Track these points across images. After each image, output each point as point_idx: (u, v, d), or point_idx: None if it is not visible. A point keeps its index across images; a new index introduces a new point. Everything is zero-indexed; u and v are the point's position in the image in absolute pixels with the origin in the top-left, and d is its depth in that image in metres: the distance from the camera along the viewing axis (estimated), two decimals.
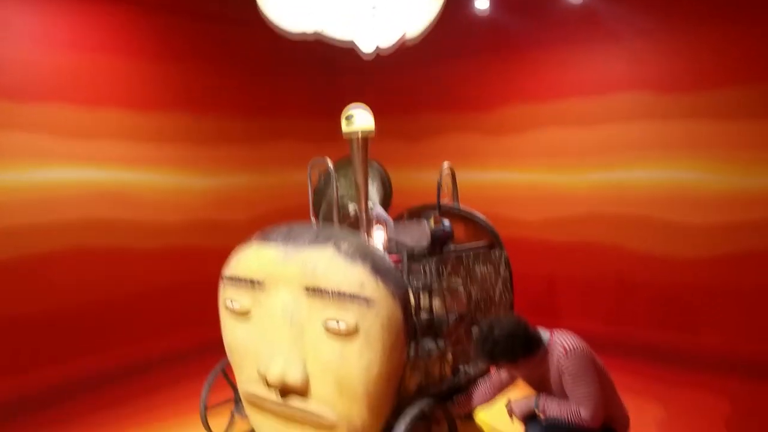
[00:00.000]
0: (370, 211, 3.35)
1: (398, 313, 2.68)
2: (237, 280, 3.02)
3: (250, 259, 2.98)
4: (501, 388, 2.93)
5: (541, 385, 2.71)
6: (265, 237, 2.98)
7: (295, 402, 2.82)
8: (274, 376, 2.77)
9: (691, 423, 3.72)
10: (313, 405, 2.77)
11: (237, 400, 3.46)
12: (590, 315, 5.57)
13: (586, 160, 5.75)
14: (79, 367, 4.84)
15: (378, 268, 2.70)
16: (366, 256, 2.73)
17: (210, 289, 5.85)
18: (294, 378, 2.75)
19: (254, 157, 6.42)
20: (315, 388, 2.77)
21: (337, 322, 2.66)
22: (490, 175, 6.08)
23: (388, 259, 2.83)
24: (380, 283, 2.66)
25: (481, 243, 3.60)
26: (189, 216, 5.86)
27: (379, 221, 3.45)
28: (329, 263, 2.72)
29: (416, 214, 3.75)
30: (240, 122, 6.31)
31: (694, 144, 5.28)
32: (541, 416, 2.66)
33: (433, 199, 3.74)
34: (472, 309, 3.24)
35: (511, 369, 2.70)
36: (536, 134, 5.96)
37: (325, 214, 3.54)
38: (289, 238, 2.89)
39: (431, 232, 3.09)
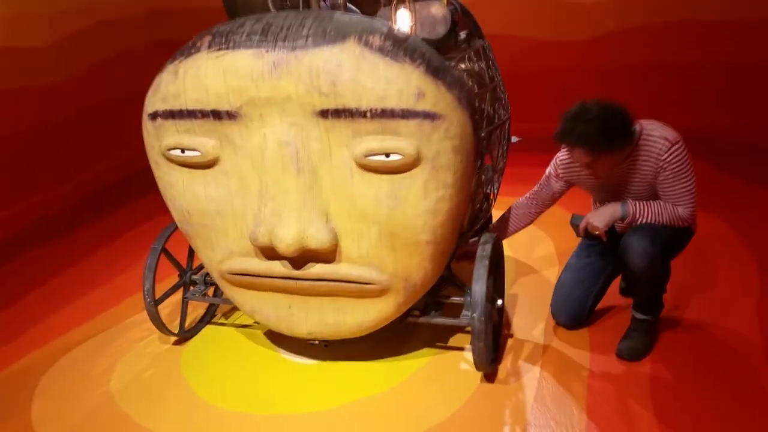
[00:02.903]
0: None
1: (469, 128, 1.91)
2: (186, 115, 1.94)
3: (207, 78, 1.88)
4: (548, 204, 2.41)
5: (617, 189, 2.24)
6: (227, 39, 1.87)
7: (320, 270, 2.01)
8: (288, 241, 1.90)
9: None
10: (349, 269, 2.00)
11: (187, 283, 2.51)
12: None
13: None
14: None
15: (435, 67, 1.84)
16: (414, 50, 1.83)
17: (33, 142, 4.32)
18: (320, 240, 1.92)
19: None
20: (348, 248, 1.99)
21: (387, 155, 1.82)
22: None
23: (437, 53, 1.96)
24: (442, 88, 1.83)
25: (463, 32, 2.82)
26: None
27: (336, 7, 2.44)
28: (358, 67, 1.78)
29: None
30: None
31: None
32: (623, 226, 2.22)
33: None
34: (508, 114, 2.53)
35: (592, 164, 2.12)
36: None
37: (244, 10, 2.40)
38: (273, 37, 1.84)
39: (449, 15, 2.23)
